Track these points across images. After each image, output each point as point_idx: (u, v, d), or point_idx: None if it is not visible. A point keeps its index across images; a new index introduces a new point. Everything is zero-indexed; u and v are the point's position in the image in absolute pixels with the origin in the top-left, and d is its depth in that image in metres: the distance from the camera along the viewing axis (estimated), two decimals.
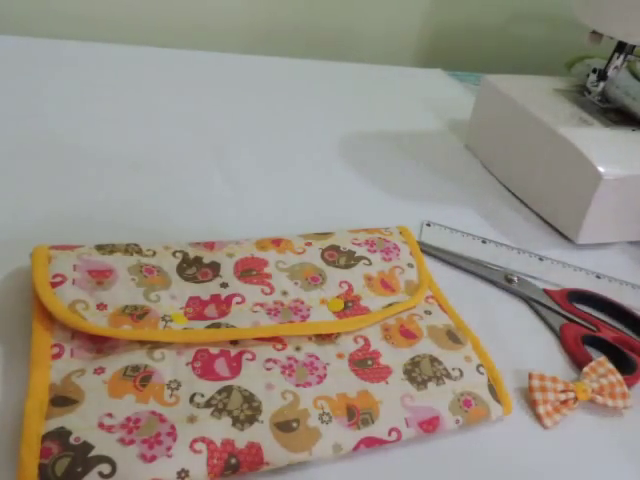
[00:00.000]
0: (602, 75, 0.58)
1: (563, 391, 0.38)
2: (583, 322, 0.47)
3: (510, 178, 0.63)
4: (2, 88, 0.55)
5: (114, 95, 0.59)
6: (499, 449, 0.36)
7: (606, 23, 0.53)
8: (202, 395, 0.31)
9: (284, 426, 0.31)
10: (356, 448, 0.32)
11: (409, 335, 0.39)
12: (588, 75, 0.60)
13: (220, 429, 0.30)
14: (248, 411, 0.31)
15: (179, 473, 0.28)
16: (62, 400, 0.29)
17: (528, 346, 0.44)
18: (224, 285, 0.38)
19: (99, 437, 0.28)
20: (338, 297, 0.40)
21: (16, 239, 0.37)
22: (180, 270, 0.38)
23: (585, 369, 0.40)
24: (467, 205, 0.59)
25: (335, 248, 0.44)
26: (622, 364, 0.43)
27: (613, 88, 0.59)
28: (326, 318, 0.38)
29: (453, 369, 0.37)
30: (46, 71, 0.60)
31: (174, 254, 0.39)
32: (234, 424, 0.30)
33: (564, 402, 0.38)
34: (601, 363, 0.41)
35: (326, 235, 0.45)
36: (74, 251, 0.36)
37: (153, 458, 0.28)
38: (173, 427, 0.29)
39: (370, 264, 0.43)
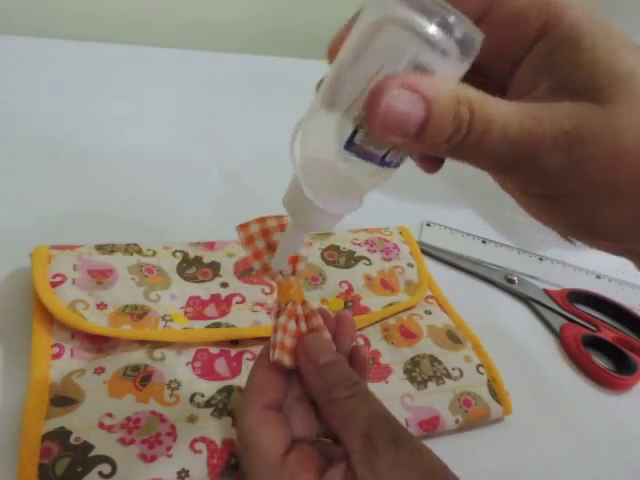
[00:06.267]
0: None
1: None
2: (583, 322, 0.46)
3: None
4: (2, 88, 0.55)
5: (114, 95, 0.59)
6: (499, 449, 0.36)
7: None
8: (202, 395, 0.31)
9: None
10: None
11: (409, 335, 0.39)
12: None
13: (220, 429, 0.30)
14: None
15: (179, 473, 0.28)
16: (62, 400, 0.29)
17: (528, 346, 0.44)
18: (224, 285, 0.38)
19: (99, 437, 0.28)
20: (338, 297, 0.40)
21: (16, 239, 0.37)
22: (180, 270, 0.38)
23: None
24: (467, 205, 0.59)
25: (335, 248, 0.44)
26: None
27: None
28: None
29: (453, 369, 0.37)
30: (46, 71, 0.60)
31: (174, 254, 0.39)
32: (234, 424, 0.30)
33: None
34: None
35: (326, 235, 0.45)
36: (74, 251, 0.36)
37: (153, 458, 0.28)
38: (173, 427, 0.29)
39: (370, 264, 0.43)
